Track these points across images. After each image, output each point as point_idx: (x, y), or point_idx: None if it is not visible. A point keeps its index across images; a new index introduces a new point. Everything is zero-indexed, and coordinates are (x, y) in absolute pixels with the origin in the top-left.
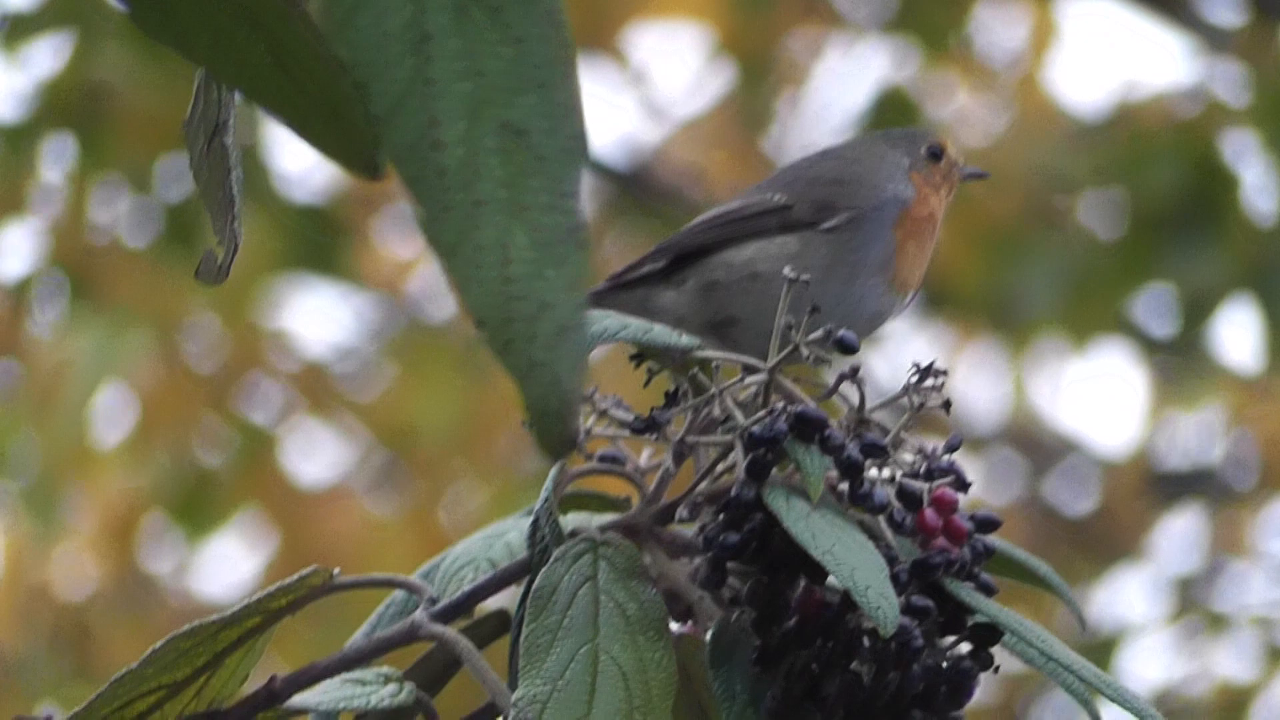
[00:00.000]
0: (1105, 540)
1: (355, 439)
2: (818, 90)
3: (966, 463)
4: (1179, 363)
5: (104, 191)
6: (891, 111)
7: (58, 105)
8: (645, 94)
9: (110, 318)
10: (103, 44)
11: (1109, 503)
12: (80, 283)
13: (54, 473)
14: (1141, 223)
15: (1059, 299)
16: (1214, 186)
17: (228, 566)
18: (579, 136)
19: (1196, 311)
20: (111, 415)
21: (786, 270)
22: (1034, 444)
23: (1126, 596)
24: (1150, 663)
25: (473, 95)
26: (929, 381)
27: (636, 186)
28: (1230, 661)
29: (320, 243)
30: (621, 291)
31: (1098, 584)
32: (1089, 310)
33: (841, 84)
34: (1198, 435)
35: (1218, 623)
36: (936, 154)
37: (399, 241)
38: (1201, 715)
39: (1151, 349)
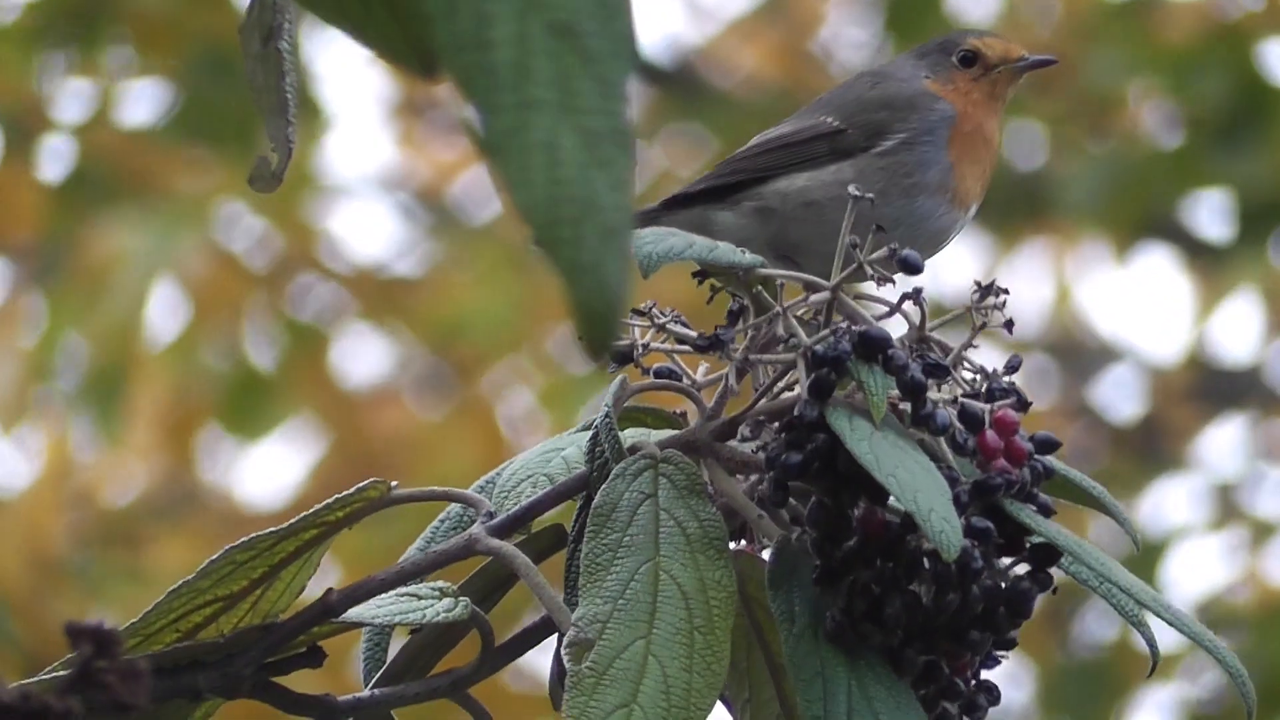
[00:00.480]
0: (1150, 447)
1: (405, 340)
2: None
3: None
4: (1226, 267)
5: (135, 90)
6: (915, 9)
7: (65, 10)
8: None
9: (161, 215)
10: None
11: (1155, 409)
12: (123, 181)
13: (106, 373)
14: (1191, 129)
15: (1105, 200)
16: (1259, 97)
17: (278, 468)
18: (627, 37)
19: (1253, 217)
20: (163, 314)
21: (851, 188)
22: (1076, 349)
23: (1172, 503)
24: (1195, 570)
25: None
26: (990, 300)
27: (681, 87)
28: (1275, 568)
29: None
30: (679, 209)
31: (1143, 493)
32: (1133, 212)
33: None
34: (1244, 340)
35: (1262, 530)
36: (969, 59)
37: (442, 145)
38: (1244, 622)
39: (1197, 253)
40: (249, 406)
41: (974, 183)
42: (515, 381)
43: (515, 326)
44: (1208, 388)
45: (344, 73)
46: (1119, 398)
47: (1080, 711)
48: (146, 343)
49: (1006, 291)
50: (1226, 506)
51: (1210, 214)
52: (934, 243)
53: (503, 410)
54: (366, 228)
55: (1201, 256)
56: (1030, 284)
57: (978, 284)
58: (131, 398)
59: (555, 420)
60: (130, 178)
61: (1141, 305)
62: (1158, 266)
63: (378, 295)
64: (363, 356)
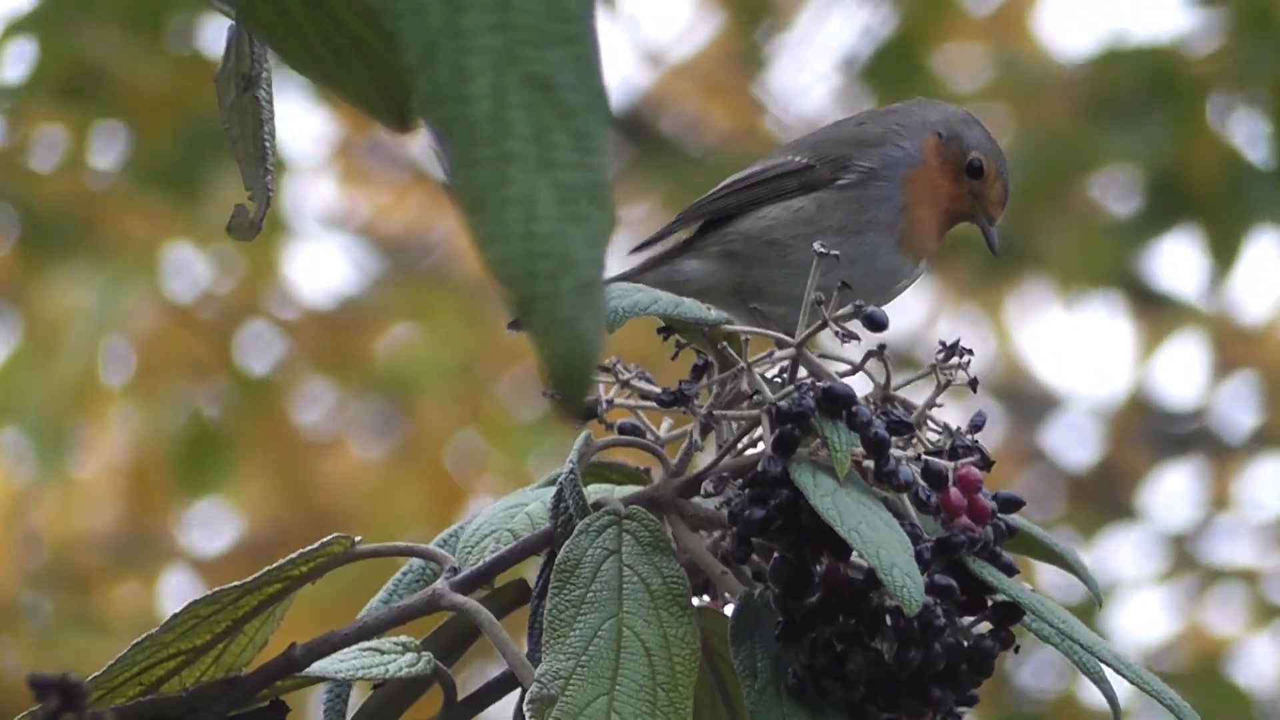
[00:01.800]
0: (1103, 493)
1: (354, 387)
2: (811, 33)
3: (953, 413)
4: (1169, 311)
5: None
6: (891, 61)
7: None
8: (637, 37)
9: (109, 269)
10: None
11: (1107, 455)
12: (78, 231)
13: (58, 417)
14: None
15: (1064, 259)
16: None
17: (227, 515)
18: (603, 92)
19: (1159, 192)
20: (114, 364)
21: (816, 245)
22: (1020, 394)
23: (1121, 552)
24: (1140, 620)
25: (501, 48)
26: (954, 360)
27: (630, 131)
28: (1218, 617)
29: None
30: (655, 266)
31: (1095, 540)
32: (1092, 267)
33: (834, 27)
34: (1189, 383)
35: (1210, 576)
36: (975, 169)
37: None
38: (1185, 672)
39: (1142, 299)
40: (201, 459)
41: (924, 234)
42: (463, 427)
43: (465, 376)
44: (1155, 432)
45: (289, 114)
46: (1070, 443)
47: None
48: (100, 391)
49: (971, 352)
50: (1178, 555)
51: (1158, 264)
52: (884, 284)
53: (451, 456)
54: (318, 270)
55: (1145, 300)
56: (974, 327)
57: (942, 343)
58: (83, 446)
59: (505, 465)
60: (84, 227)
61: (1085, 349)
62: (1101, 311)
63: (325, 342)
64: (311, 404)
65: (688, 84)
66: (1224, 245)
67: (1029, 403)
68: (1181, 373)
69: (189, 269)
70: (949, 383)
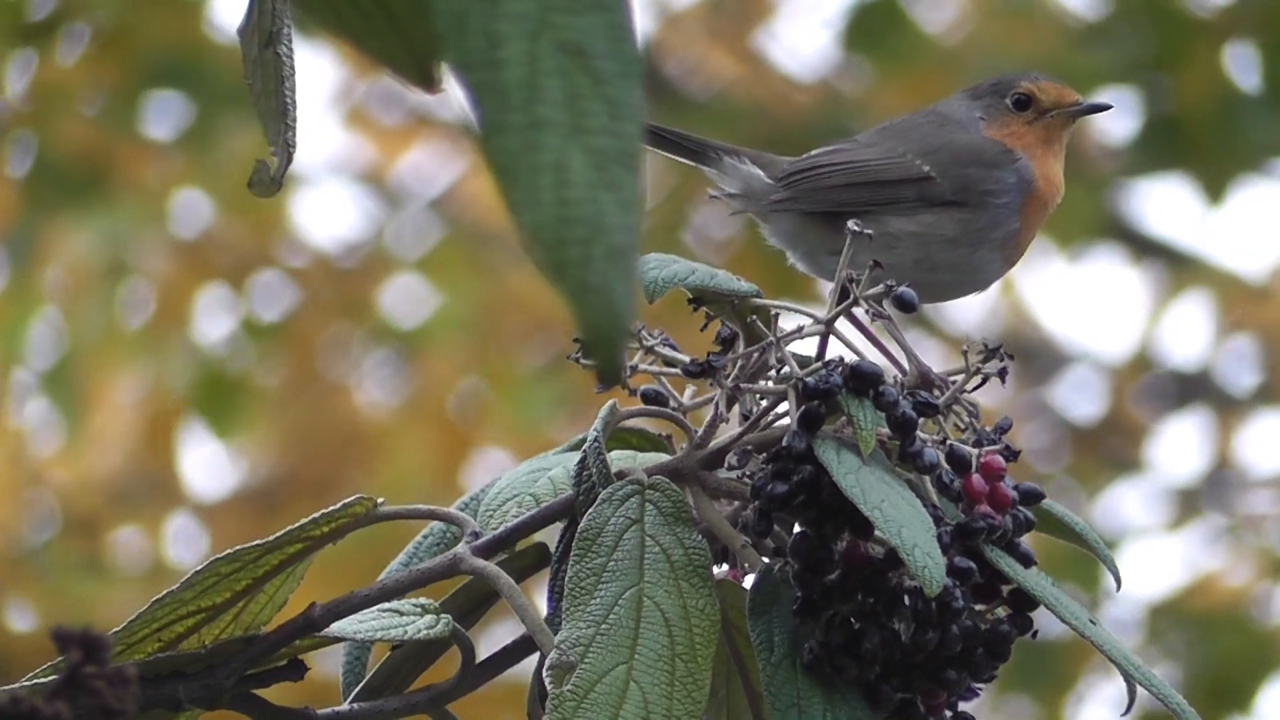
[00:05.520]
0: (1108, 446)
1: (365, 333)
2: None
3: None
4: (1175, 264)
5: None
6: (874, 20)
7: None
8: None
9: (120, 212)
10: None
11: (1112, 409)
12: (85, 173)
13: (75, 363)
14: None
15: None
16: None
17: (234, 459)
18: (636, 59)
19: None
20: (128, 309)
21: (850, 224)
22: (1026, 348)
23: (1128, 503)
24: (1147, 571)
25: (534, 14)
26: (993, 363)
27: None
28: (1228, 568)
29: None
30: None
31: (1098, 493)
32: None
33: None
34: (1195, 338)
35: (1219, 531)
36: (1023, 102)
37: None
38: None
39: (1146, 251)
40: (217, 404)
41: (1028, 243)
42: (469, 376)
43: (471, 323)
44: (1161, 388)
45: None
46: (1077, 398)
47: None
48: (115, 335)
49: (1011, 357)
50: (1184, 507)
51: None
52: (981, 288)
53: (455, 405)
54: (327, 216)
55: (1143, 249)
56: None
57: (984, 344)
58: (96, 388)
59: (508, 416)
60: (92, 169)
61: (1091, 303)
62: (1106, 265)
63: (332, 291)
64: (321, 351)
65: (690, 31)
66: (1216, 178)
67: (1034, 357)
68: (1187, 329)
69: (199, 215)
70: (985, 379)
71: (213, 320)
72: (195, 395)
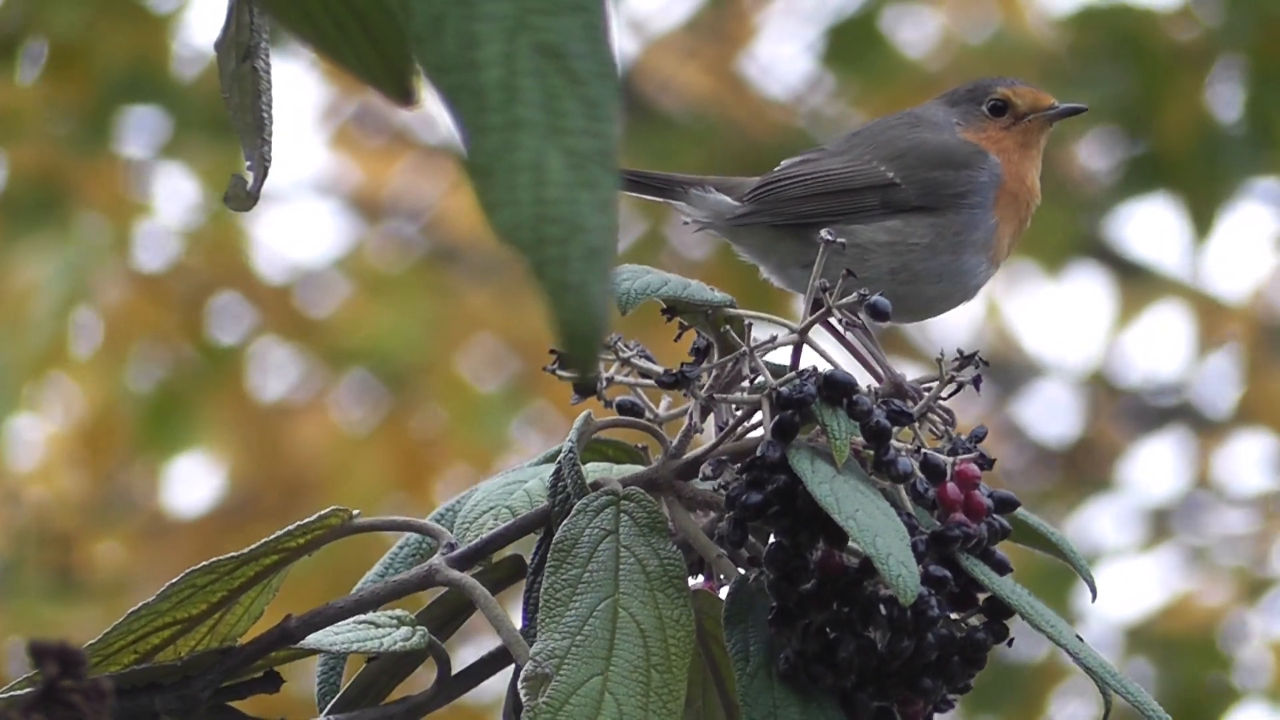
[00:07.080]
0: (1084, 466)
1: (322, 356)
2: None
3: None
4: (1148, 283)
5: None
6: (852, 39)
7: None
8: (622, 6)
9: (77, 241)
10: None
11: (1087, 428)
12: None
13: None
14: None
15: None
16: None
17: (200, 477)
18: (612, 60)
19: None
20: (81, 332)
21: (823, 233)
22: (1004, 365)
23: (1101, 524)
24: (1118, 592)
25: (511, 16)
26: (968, 370)
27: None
28: (1204, 589)
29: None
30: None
31: (1076, 512)
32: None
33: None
34: (1170, 357)
35: (1193, 552)
36: (999, 108)
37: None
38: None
39: (1122, 270)
40: (166, 424)
41: (1010, 241)
42: (430, 399)
43: (432, 345)
44: (1136, 407)
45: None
46: (1051, 417)
47: None
48: (68, 358)
49: (986, 364)
50: (1158, 528)
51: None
52: (971, 293)
53: (417, 427)
54: (287, 236)
55: (1125, 271)
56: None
57: (960, 352)
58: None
59: (468, 436)
60: (52, 192)
61: (1070, 322)
62: (1086, 284)
63: (287, 315)
64: (277, 371)
65: (669, 51)
66: (1201, 210)
67: (1012, 374)
68: (1161, 347)
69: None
70: (959, 387)
71: (166, 343)
72: (141, 414)
